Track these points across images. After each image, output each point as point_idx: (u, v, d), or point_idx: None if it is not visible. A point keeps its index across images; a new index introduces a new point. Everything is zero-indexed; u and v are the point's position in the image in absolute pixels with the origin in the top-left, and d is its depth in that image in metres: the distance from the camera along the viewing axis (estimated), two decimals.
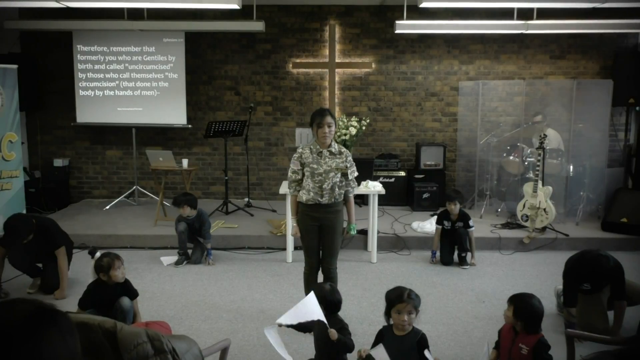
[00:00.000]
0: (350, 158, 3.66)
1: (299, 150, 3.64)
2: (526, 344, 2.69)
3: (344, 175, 3.62)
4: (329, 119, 3.51)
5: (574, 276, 3.57)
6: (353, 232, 3.80)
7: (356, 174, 3.72)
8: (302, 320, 2.59)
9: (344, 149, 3.67)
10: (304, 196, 3.61)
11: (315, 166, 3.55)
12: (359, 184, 5.29)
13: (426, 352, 2.56)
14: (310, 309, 2.59)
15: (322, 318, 2.60)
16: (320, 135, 3.53)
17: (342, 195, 3.67)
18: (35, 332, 1.04)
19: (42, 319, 1.07)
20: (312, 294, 2.67)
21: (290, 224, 3.57)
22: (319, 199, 3.56)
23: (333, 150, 3.60)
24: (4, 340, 1.00)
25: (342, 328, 2.82)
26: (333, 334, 2.65)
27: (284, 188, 5.23)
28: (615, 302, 3.53)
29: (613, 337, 3.38)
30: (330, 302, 2.84)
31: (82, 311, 3.37)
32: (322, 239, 3.68)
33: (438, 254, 5.23)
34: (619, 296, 3.51)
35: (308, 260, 3.76)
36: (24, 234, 4.14)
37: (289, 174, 3.69)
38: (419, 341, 2.61)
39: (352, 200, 3.77)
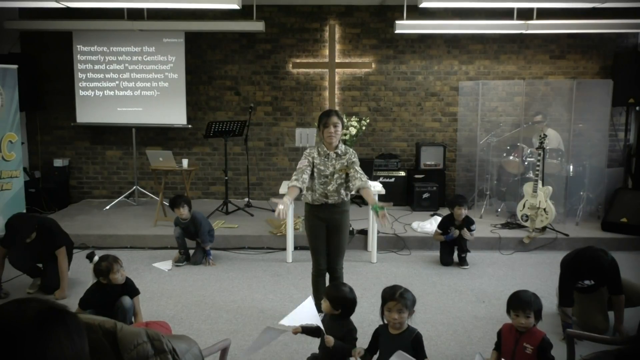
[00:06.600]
0: (352, 156, 3.61)
1: (309, 150, 3.63)
2: (531, 344, 2.70)
3: (348, 174, 3.59)
4: (334, 119, 3.50)
5: (572, 275, 3.54)
6: (378, 209, 3.26)
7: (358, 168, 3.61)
8: (303, 322, 2.61)
9: (350, 149, 3.65)
10: (309, 196, 3.63)
11: (322, 168, 3.57)
12: None
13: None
14: (309, 313, 2.58)
15: (320, 324, 2.60)
16: (326, 135, 3.52)
17: (349, 195, 3.69)
18: (42, 331, 1.04)
19: (51, 319, 1.07)
20: (310, 299, 2.67)
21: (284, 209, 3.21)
22: (325, 199, 3.58)
23: (339, 152, 3.60)
24: (11, 338, 1.00)
25: (348, 332, 2.80)
26: (329, 340, 2.65)
27: (284, 188, 5.23)
28: (614, 298, 3.51)
29: (614, 337, 3.38)
30: (351, 303, 2.84)
31: (82, 311, 3.39)
32: (329, 239, 3.70)
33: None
34: (618, 290, 3.49)
35: (315, 263, 3.74)
36: (27, 233, 4.15)
37: (299, 165, 3.55)
38: (414, 340, 2.61)
39: (368, 190, 3.49)
